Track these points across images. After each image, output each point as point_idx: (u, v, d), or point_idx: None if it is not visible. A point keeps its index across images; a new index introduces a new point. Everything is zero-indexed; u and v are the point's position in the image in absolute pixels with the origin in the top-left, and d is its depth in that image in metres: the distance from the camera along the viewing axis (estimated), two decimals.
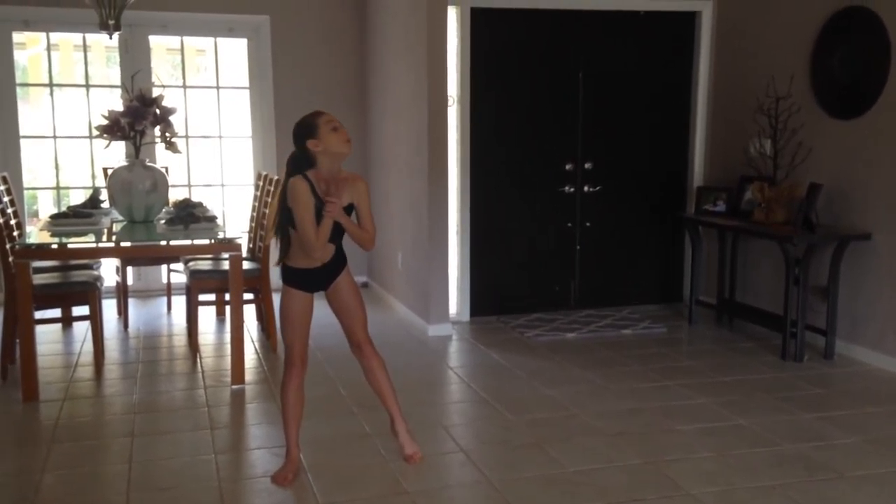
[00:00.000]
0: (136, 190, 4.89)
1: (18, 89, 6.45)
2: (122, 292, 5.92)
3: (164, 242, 4.49)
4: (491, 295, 5.92)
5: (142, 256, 5.56)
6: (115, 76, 6.81)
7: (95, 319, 4.70)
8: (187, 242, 4.46)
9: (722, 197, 5.69)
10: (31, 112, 6.80)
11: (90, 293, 4.63)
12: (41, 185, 7.21)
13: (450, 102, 5.53)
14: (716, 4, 5.96)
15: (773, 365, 4.83)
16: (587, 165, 5.98)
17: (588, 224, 6.04)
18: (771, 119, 5.22)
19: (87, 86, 6.64)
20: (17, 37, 6.63)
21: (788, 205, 5.05)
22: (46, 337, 5.43)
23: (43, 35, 6.59)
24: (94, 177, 6.72)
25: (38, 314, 4.90)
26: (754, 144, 5.47)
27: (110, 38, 4.77)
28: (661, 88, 6.09)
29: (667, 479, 3.28)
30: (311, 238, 3.08)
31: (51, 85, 6.65)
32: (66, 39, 7.31)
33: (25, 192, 6.77)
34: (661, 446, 3.61)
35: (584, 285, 6.12)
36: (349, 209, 3.19)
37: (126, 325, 5.79)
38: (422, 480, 3.30)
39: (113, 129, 4.85)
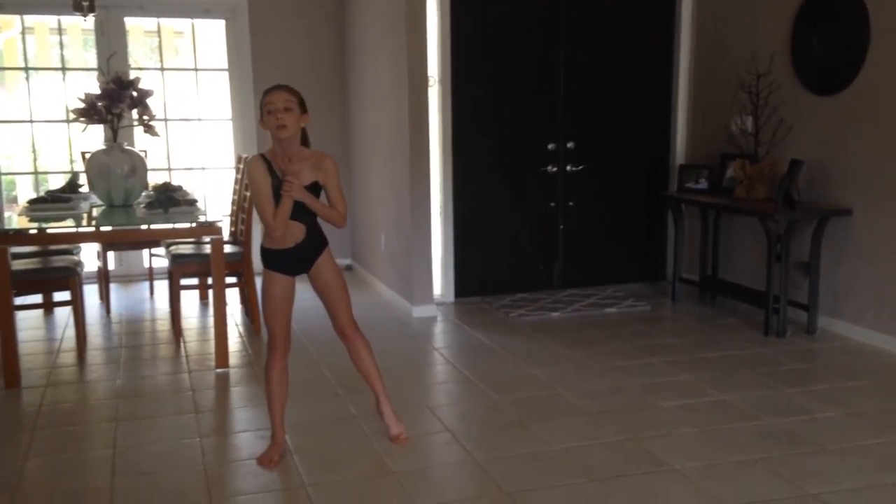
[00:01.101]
0: (115, 174, 4.84)
1: None
2: (103, 277, 5.87)
3: (144, 227, 4.44)
4: (475, 276, 5.92)
5: (122, 241, 5.53)
6: (92, 59, 6.73)
7: (76, 305, 4.66)
8: (168, 226, 4.42)
9: (704, 175, 5.70)
10: (8, 96, 6.71)
11: (70, 279, 4.59)
12: (19, 171, 7.12)
13: (430, 83, 5.50)
14: None
15: (756, 341, 4.86)
16: (570, 145, 5.97)
17: (571, 204, 6.04)
18: (752, 96, 5.23)
19: (64, 69, 6.56)
20: None
21: (770, 182, 5.06)
22: (28, 323, 5.39)
23: (18, 18, 6.49)
24: (72, 161, 6.65)
25: (19, 300, 4.85)
26: (736, 122, 5.48)
27: (84, 19, 4.70)
28: (643, 67, 6.08)
29: (650, 454, 3.30)
30: (268, 218, 3.08)
31: (26, 69, 6.56)
32: (42, 22, 7.20)
33: (3, 177, 6.69)
34: (644, 423, 3.63)
35: (568, 265, 6.13)
36: (316, 188, 3.15)
37: (108, 311, 5.75)
38: (407, 461, 3.30)
39: (90, 112, 4.79)
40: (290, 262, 3.20)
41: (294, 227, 3.15)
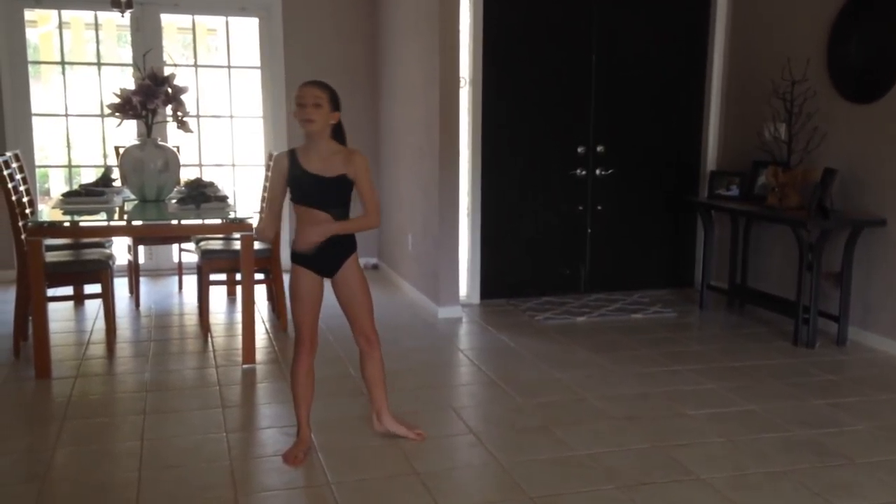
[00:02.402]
0: (148, 169, 4.89)
1: (31, 67, 6.44)
2: (133, 271, 5.94)
3: (175, 222, 4.49)
4: (502, 278, 5.91)
5: (153, 235, 5.58)
6: (126, 55, 6.80)
7: (107, 298, 4.72)
8: (198, 222, 4.46)
9: (735, 181, 5.65)
10: (44, 90, 6.80)
11: (102, 272, 4.64)
12: (54, 164, 7.22)
13: (462, 84, 5.50)
14: None
15: (785, 351, 4.81)
16: (599, 148, 5.94)
17: (599, 207, 6.02)
18: (786, 103, 5.18)
19: (99, 64, 6.63)
20: (29, 14, 6.62)
21: (802, 190, 5.01)
22: (59, 314, 5.47)
23: (55, 13, 6.58)
24: (105, 155, 6.72)
25: (51, 292, 4.92)
26: (769, 128, 5.43)
27: (122, 15, 4.76)
28: (676, 71, 6.04)
29: (676, 462, 3.27)
30: (264, 219, 3.26)
31: (62, 63, 6.65)
32: (78, 17, 7.30)
33: (38, 170, 6.78)
34: (670, 430, 3.61)
35: (595, 269, 6.11)
36: (344, 182, 3.15)
37: (137, 304, 5.81)
38: (431, 461, 3.30)
39: (125, 107, 4.84)
40: (317, 261, 3.22)
41: (314, 232, 3.15)
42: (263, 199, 5.64)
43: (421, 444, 3.44)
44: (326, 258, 3.23)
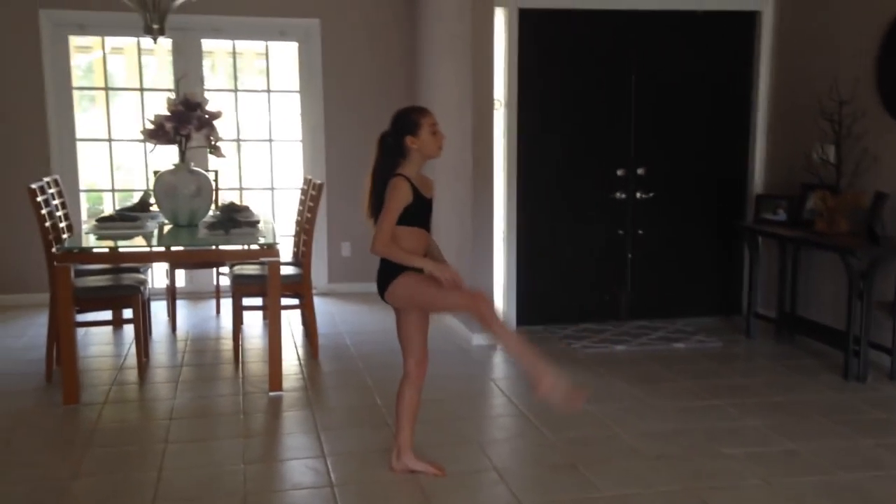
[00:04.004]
0: (181, 194, 4.90)
1: (84, 93, 6.54)
2: (170, 295, 5.96)
3: (201, 248, 4.48)
4: (538, 303, 5.77)
5: (182, 260, 5.58)
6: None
7: (139, 323, 4.72)
8: (226, 248, 4.45)
9: (782, 205, 5.43)
10: (98, 114, 6.88)
11: (133, 297, 4.64)
12: (100, 188, 7.32)
13: (497, 106, 5.41)
14: (777, 4, 5.70)
15: (834, 385, 4.58)
16: (640, 171, 5.78)
17: (640, 232, 5.84)
18: (834, 124, 4.96)
19: (142, 89, 6.71)
20: (83, 41, 6.76)
21: (852, 215, 4.78)
22: (96, 339, 5.51)
23: (100, 39, 6.68)
24: (147, 180, 6.79)
25: (91, 316, 4.97)
26: (817, 150, 5.21)
27: (154, 42, 4.78)
28: (719, 91, 5.86)
29: None
30: (384, 231, 3.04)
31: (106, 89, 6.74)
32: (132, 43, 7.42)
33: (87, 194, 6.88)
34: (705, 471, 3.43)
35: (636, 295, 5.93)
36: (432, 203, 3.21)
37: (174, 328, 5.83)
38: (450, 499, 3.19)
39: (158, 133, 4.86)
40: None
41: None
42: (297, 223, 5.62)
43: (441, 481, 3.33)
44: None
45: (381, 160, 3.15)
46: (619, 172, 5.76)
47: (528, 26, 5.49)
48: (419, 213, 3.14)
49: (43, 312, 5.12)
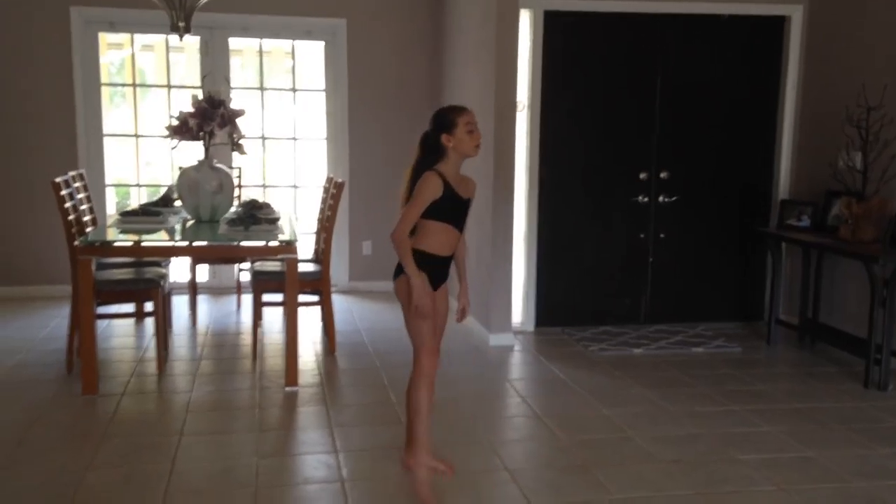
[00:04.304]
0: (203, 190, 4.94)
1: (116, 89, 6.62)
2: (191, 289, 6.02)
3: (219, 243, 4.52)
4: (558, 305, 5.75)
5: (202, 255, 5.63)
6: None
7: (159, 316, 4.76)
8: (245, 244, 4.48)
9: (807, 211, 5.38)
10: (128, 111, 6.96)
11: (152, 290, 4.69)
12: (125, 183, 7.41)
13: (519, 108, 5.40)
14: (807, 9, 5.64)
15: (854, 393, 4.52)
16: (663, 175, 5.74)
17: (662, 235, 5.80)
18: (861, 130, 4.90)
19: (169, 86, 6.79)
20: (114, 38, 6.85)
21: (877, 222, 4.72)
22: (119, 331, 5.58)
23: (138, 36, 6.77)
24: (173, 176, 6.85)
25: (114, 308, 5.03)
26: (843, 157, 5.14)
27: (180, 39, 4.83)
28: (745, 96, 5.80)
29: None
30: (405, 220, 3.05)
31: (134, 85, 6.83)
32: (161, 41, 7.50)
33: (116, 189, 6.97)
34: (718, 477, 3.40)
35: (657, 299, 5.89)
36: (468, 203, 3.20)
37: (194, 322, 5.88)
38: (460, 498, 3.19)
39: (181, 129, 4.91)
40: (441, 271, 3.18)
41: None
42: (319, 221, 5.65)
43: (452, 480, 3.31)
44: (446, 270, 3.24)
45: (422, 158, 3.17)
46: (642, 176, 5.73)
47: (553, 28, 5.48)
48: (450, 209, 3.13)
49: (67, 304, 5.19)
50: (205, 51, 6.62)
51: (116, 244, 4.45)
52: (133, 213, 5.04)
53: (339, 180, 5.22)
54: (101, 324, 5.49)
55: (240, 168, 6.45)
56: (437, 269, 3.15)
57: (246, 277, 6.39)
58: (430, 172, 3.12)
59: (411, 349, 3.17)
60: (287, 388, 4.45)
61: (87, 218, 5.12)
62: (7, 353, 5.00)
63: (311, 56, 7.09)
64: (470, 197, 3.21)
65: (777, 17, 5.73)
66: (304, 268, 5.10)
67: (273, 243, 4.44)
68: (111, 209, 6.76)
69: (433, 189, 3.08)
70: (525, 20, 5.40)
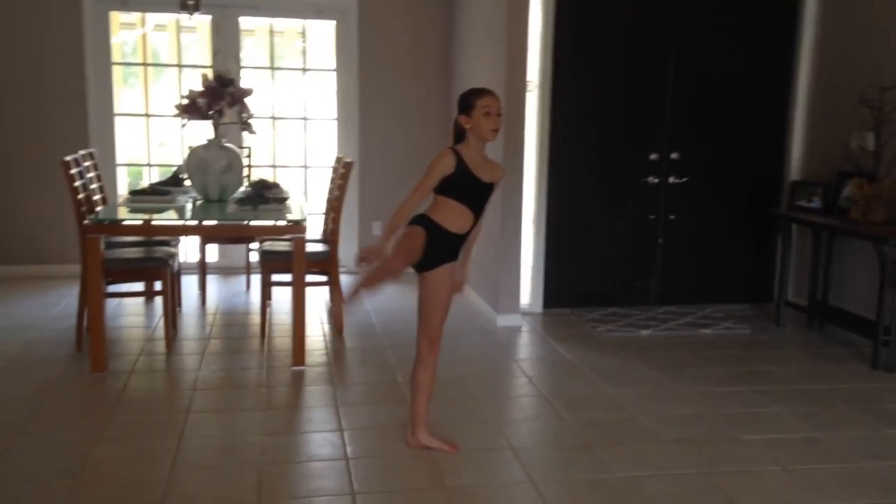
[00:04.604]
0: (212, 169, 4.95)
1: (130, 69, 6.63)
2: (201, 269, 6.05)
3: (228, 222, 4.53)
4: (566, 287, 5.74)
5: (210, 235, 5.66)
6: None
7: (167, 295, 4.79)
8: (253, 223, 4.49)
9: (818, 193, 5.33)
10: (140, 90, 6.98)
11: (161, 269, 4.72)
12: (138, 163, 7.44)
13: (530, 88, 5.37)
14: None
15: (862, 374, 4.50)
16: (674, 156, 5.71)
17: (672, 217, 5.78)
18: (874, 111, 4.84)
19: (180, 65, 6.79)
20: (127, 17, 6.85)
21: (889, 203, 4.68)
22: (129, 310, 5.61)
23: (150, 15, 6.77)
24: (183, 156, 6.87)
25: (124, 287, 5.06)
26: (855, 138, 5.09)
27: (189, 17, 4.83)
28: (759, 77, 5.75)
29: (721, 492, 3.07)
30: (414, 191, 3.11)
31: (144, 64, 6.84)
32: (173, 20, 7.50)
33: (128, 168, 7.00)
34: (721, 456, 3.40)
35: (666, 280, 5.87)
36: (490, 188, 3.19)
37: (204, 301, 5.91)
38: (462, 476, 3.20)
39: (191, 108, 4.92)
40: (454, 246, 3.22)
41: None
42: (327, 202, 5.66)
43: (455, 458, 3.35)
44: (459, 246, 3.28)
45: (454, 140, 3.22)
46: (653, 157, 5.70)
47: (566, 7, 5.44)
48: (462, 187, 3.14)
49: (78, 283, 5.23)
50: (216, 30, 6.62)
51: (125, 223, 4.47)
52: (142, 192, 5.06)
53: (348, 160, 5.22)
54: (111, 302, 5.53)
55: (249, 148, 6.45)
56: (444, 243, 3.18)
57: (255, 257, 6.43)
58: (445, 149, 3.18)
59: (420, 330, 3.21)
60: (294, 368, 4.47)
61: (97, 197, 5.14)
62: (19, 330, 5.06)
63: (322, 36, 7.07)
64: (493, 182, 3.21)
65: (790, 1, 5.66)
66: (312, 248, 5.10)
67: (281, 223, 4.45)
68: (123, 189, 6.79)
69: (443, 165, 3.11)
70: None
